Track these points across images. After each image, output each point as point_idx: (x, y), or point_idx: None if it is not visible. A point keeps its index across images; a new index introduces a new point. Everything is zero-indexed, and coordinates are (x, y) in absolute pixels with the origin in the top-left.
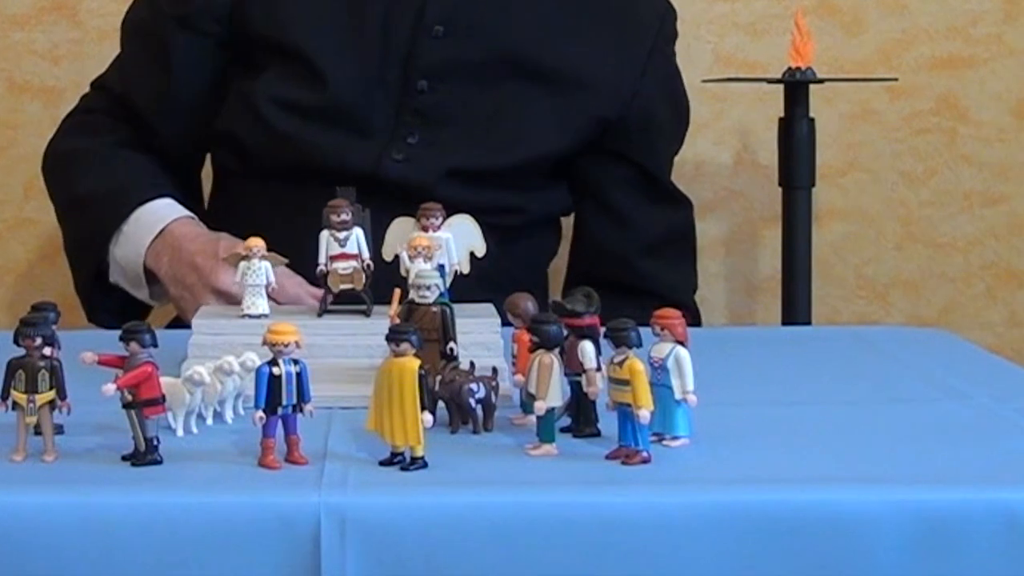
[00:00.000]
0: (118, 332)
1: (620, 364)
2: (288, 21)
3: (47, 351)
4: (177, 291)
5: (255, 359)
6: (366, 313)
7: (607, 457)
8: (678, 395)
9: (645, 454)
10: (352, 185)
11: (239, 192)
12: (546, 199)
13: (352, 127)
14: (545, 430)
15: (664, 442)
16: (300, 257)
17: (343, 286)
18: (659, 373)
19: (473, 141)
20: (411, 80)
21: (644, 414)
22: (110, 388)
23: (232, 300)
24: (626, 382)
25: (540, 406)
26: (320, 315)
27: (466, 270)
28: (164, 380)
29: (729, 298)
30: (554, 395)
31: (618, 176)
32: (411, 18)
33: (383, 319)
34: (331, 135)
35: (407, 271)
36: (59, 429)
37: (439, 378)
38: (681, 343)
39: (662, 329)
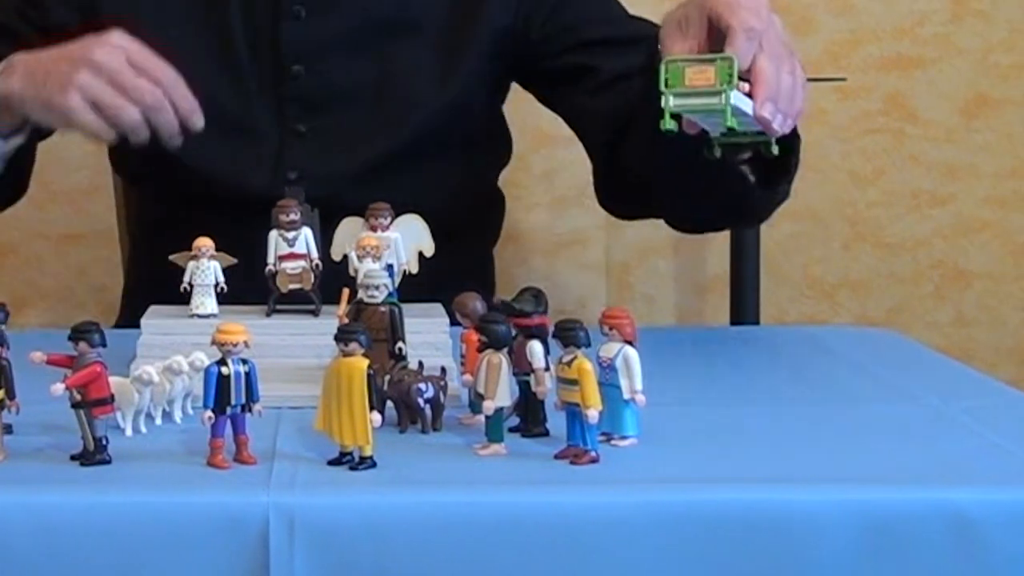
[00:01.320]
0: (67, 332)
1: (568, 364)
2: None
3: None
4: (33, 89)
5: (204, 359)
6: (315, 313)
7: (556, 457)
8: (626, 395)
9: (593, 454)
10: (252, 210)
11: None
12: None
13: (236, 139)
14: (494, 430)
15: (612, 442)
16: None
17: (292, 286)
18: (607, 373)
19: (365, 120)
20: (284, 66)
21: (592, 414)
22: (59, 388)
23: (110, 74)
24: (574, 382)
25: (489, 406)
26: (269, 315)
27: (415, 269)
28: (113, 380)
29: (678, 298)
30: (503, 395)
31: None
32: (270, 4)
33: (332, 319)
34: (217, 151)
35: (356, 271)
36: (8, 429)
37: (388, 378)
38: (630, 343)
39: (611, 329)
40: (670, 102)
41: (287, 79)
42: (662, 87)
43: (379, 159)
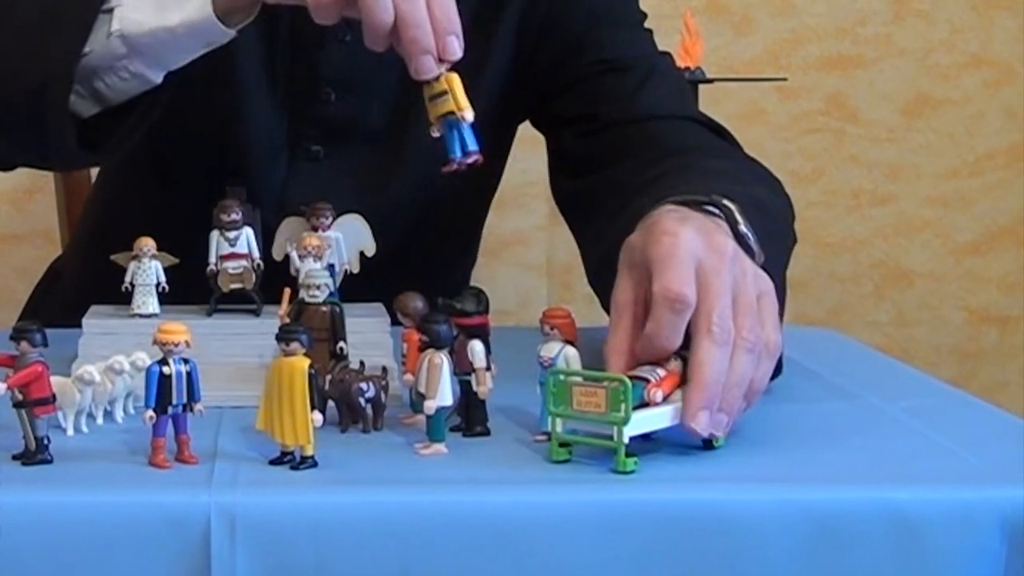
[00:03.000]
0: (8, 332)
1: (436, 79)
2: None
3: None
4: None
5: (145, 358)
6: (256, 313)
7: (444, 172)
8: None
9: (477, 156)
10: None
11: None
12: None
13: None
14: (435, 429)
15: None
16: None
17: (233, 286)
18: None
19: (380, 154)
20: (317, 89)
21: (468, 115)
22: (0, 387)
23: None
24: (443, 93)
25: (430, 405)
26: (210, 314)
27: (356, 269)
28: (54, 379)
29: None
30: (444, 394)
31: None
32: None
33: (273, 319)
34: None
35: (297, 270)
36: None
37: (329, 377)
38: (570, 342)
39: (552, 328)
40: (558, 427)
41: (318, 101)
42: (550, 407)
43: (389, 196)
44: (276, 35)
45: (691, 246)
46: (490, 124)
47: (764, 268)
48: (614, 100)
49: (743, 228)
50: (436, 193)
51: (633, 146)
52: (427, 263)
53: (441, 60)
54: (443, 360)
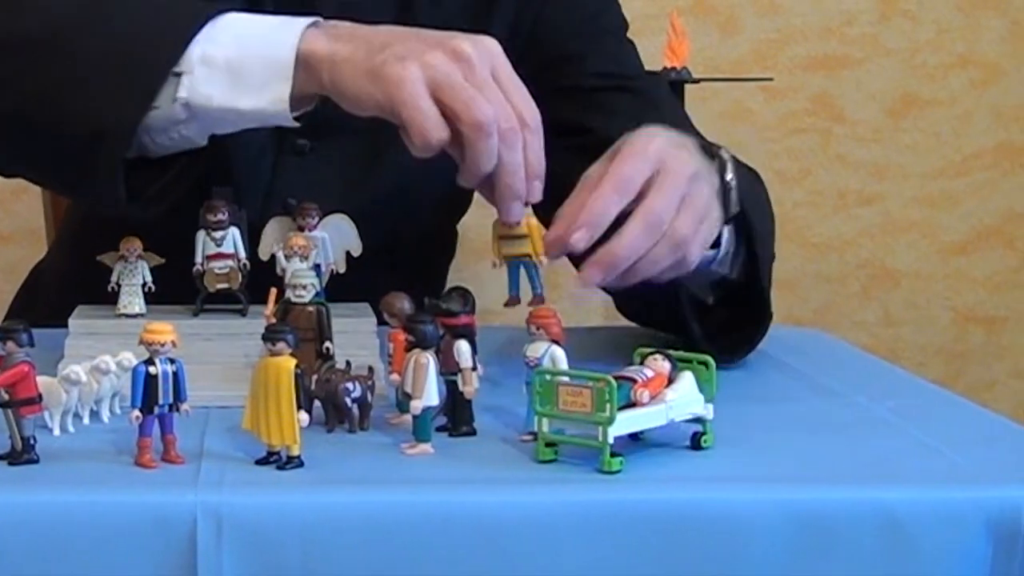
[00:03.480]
0: None
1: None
2: None
3: None
4: (364, 52)
5: (131, 358)
6: (242, 312)
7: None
8: None
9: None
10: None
11: None
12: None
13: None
14: (421, 429)
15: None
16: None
17: (219, 286)
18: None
19: (368, 147)
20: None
21: (544, 260)
22: None
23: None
24: (523, 236)
25: (416, 405)
26: (196, 314)
27: (342, 269)
28: (41, 379)
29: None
30: (430, 394)
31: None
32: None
33: (259, 319)
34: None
35: (283, 270)
36: None
37: (315, 377)
38: (557, 342)
39: (538, 328)
40: (544, 427)
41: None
42: (536, 406)
43: (374, 190)
44: None
45: (658, 146)
46: None
47: (750, 236)
48: (614, 117)
49: (730, 178)
50: (419, 183)
51: None
52: (410, 257)
53: (525, 204)
54: (429, 360)
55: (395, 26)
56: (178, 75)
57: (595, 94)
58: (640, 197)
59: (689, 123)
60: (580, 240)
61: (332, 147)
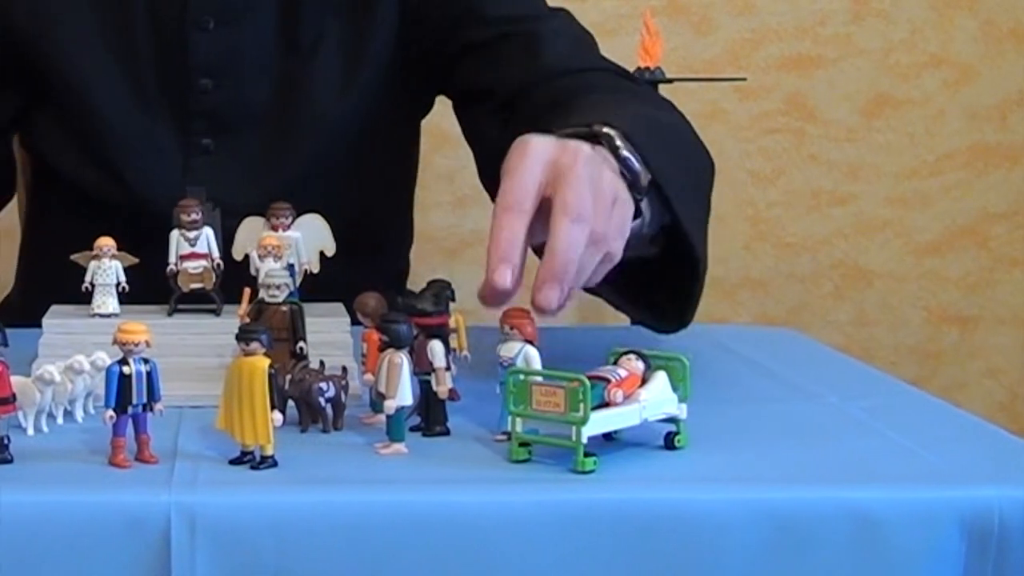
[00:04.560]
0: None
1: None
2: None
3: None
4: None
5: (105, 358)
6: (216, 312)
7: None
8: None
9: None
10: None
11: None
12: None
13: (140, 151)
14: (395, 429)
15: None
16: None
17: (193, 285)
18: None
19: (273, 136)
20: (192, 80)
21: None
22: None
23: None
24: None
25: (390, 405)
26: (170, 314)
27: (316, 269)
28: (14, 379)
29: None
30: (404, 394)
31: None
32: (177, 13)
33: (233, 318)
34: (120, 162)
35: (257, 270)
36: None
37: (289, 377)
38: (531, 342)
39: (511, 328)
40: (518, 427)
41: (195, 93)
42: (509, 406)
43: (288, 175)
44: (135, 36)
45: (540, 150)
46: (387, 91)
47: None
48: (514, 66)
49: (624, 152)
50: (333, 166)
51: (544, 109)
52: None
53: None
54: (403, 360)
55: None
56: None
57: (491, 47)
58: (546, 202)
59: (595, 50)
60: (504, 276)
61: (237, 141)
